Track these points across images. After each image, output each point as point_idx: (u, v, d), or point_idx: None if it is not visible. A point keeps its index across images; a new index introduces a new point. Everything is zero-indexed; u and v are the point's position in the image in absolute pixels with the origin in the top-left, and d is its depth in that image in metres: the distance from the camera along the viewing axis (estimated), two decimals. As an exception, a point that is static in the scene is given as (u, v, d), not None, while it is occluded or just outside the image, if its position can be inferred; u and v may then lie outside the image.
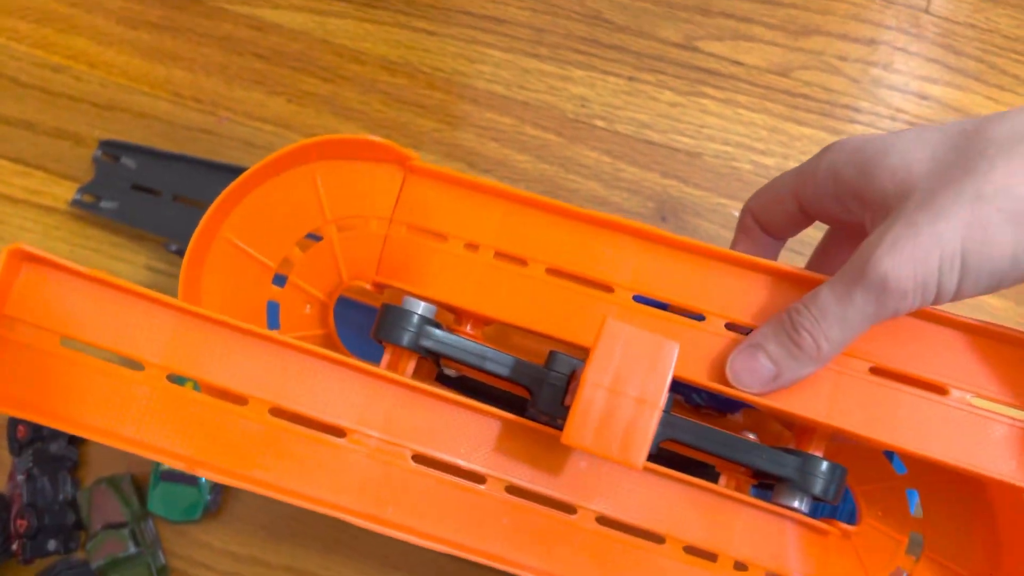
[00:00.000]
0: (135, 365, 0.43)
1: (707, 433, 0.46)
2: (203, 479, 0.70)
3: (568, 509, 0.45)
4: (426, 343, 0.47)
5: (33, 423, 0.71)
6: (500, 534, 0.45)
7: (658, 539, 0.46)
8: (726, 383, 0.45)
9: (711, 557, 0.46)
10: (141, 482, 0.72)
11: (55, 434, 0.71)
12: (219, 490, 0.72)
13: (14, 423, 0.72)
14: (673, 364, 0.40)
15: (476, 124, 0.79)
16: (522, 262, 0.49)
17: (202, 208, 0.51)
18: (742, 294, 0.45)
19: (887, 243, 0.38)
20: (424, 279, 0.50)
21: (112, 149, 0.76)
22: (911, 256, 0.37)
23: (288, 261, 0.54)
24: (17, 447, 0.71)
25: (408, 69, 0.80)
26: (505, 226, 0.50)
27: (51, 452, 0.71)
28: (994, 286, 0.37)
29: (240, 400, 0.43)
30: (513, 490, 0.45)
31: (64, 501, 0.70)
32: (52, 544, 0.70)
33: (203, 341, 0.43)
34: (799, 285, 0.45)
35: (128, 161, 0.76)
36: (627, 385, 0.40)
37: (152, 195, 0.75)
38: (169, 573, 0.71)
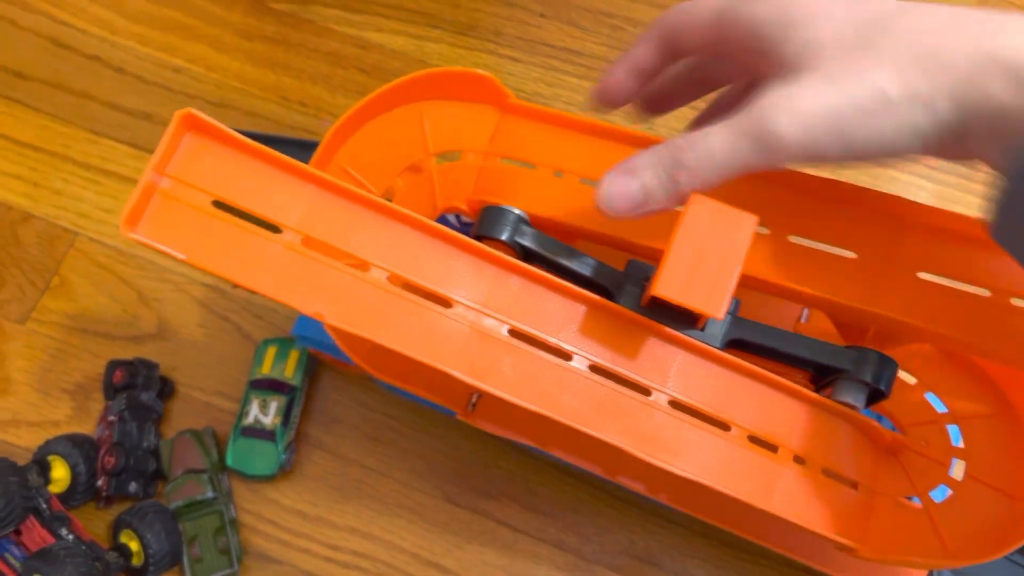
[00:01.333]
0: (275, 229, 0.48)
1: (772, 331, 0.50)
2: (280, 437, 0.74)
3: (644, 391, 0.49)
4: (522, 239, 0.52)
5: (129, 369, 0.75)
6: (584, 406, 0.48)
7: (724, 426, 0.49)
8: None
9: (772, 448, 0.49)
10: (220, 439, 0.76)
11: (147, 384, 0.76)
12: (293, 450, 0.75)
13: (112, 369, 0.76)
14: (751, 233, 0.44)
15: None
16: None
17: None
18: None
19: (785, 101, 0.39)
20: (516, 198, 0.55)
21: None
22: (805, 118, 0.39)
23: (390, 190, 0.60)
24: (112, 391, 0.76)
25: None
26: (590, 155, 0.55)
27: (141, 401, 0.75)
28: (871, 156, 0.40)
29: (363, 266, 0.48)
30: (596, 369, 0.49)
31: (147, 449, 0.74)
32: (133, 486, 0.73)
33: (337, 212, 0.48)
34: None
35: None
36: (710, 247, 0.44)
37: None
38: (239, 526, 0.74)
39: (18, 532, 0.70)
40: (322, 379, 0.78)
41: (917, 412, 0.55)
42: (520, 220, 0.52)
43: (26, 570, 0.66)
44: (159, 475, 0.75)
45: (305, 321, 0.70)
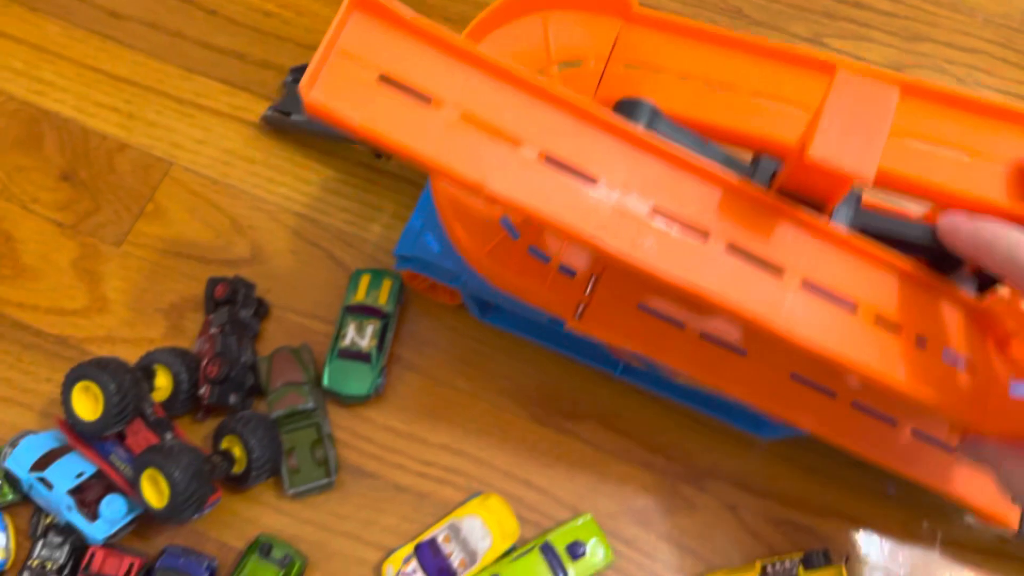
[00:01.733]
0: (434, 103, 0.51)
1: (893, 219, 0.53)
2: (375, 360, 0.76)
3: (777, 270, 0.51)
4: (659, 128, 0.54)
5: (231, 285, 0.78)
6: (720, 282, 0.51)
7: (851, 307, 0.52)
8: None
9: (895, 329, 0.52)
10: (316, 359, 0.78)
11: (245, 302, 0.78)
12: (385, 372, 0.77)
13: (213, 284, 0.78)
14: (895, 103, 0.47)
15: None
16: (729, 87, 0.58)
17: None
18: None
19: None
20: (642, 93, 0.58)
21: (301, 74, 0.87)
22: None
23: None
24: (213, 305, 0.78)
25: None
26: (714, 61, 0.58)
27: (240, 317, 0.77)
28: None
29: (515, 143, 0.51)
30: (732, 248, 0.51)
31: (245, 364, 0.76)
32: (233, 398, 0.75)
33: (492, 91, 0.51)
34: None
35: None
36: (859, 116, 0.47)
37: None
38: (334, 442, 0.75)
39: (122, 436, 0.72)
40: (413, 307, 0.81)
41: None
42: (655, 111, 0.55)
43: (140, 464, 0.68)
44: (256, 390, 0.77)
45: (408, 240, 0.72)
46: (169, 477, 0.66)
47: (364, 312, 0.78)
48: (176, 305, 0.81)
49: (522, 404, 0.78)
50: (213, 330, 0.76)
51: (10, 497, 0.72)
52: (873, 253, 0.53)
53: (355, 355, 0.76)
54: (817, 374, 0.64)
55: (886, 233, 0.54)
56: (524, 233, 0.62)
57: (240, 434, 0.71)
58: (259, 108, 0.88)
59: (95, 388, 0.68)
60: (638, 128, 0.52)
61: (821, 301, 0.52)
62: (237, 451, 0.72)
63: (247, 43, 0.91)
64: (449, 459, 0.76)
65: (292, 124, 0.85)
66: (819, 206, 0.52)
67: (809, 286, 0.52)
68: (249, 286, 0.79)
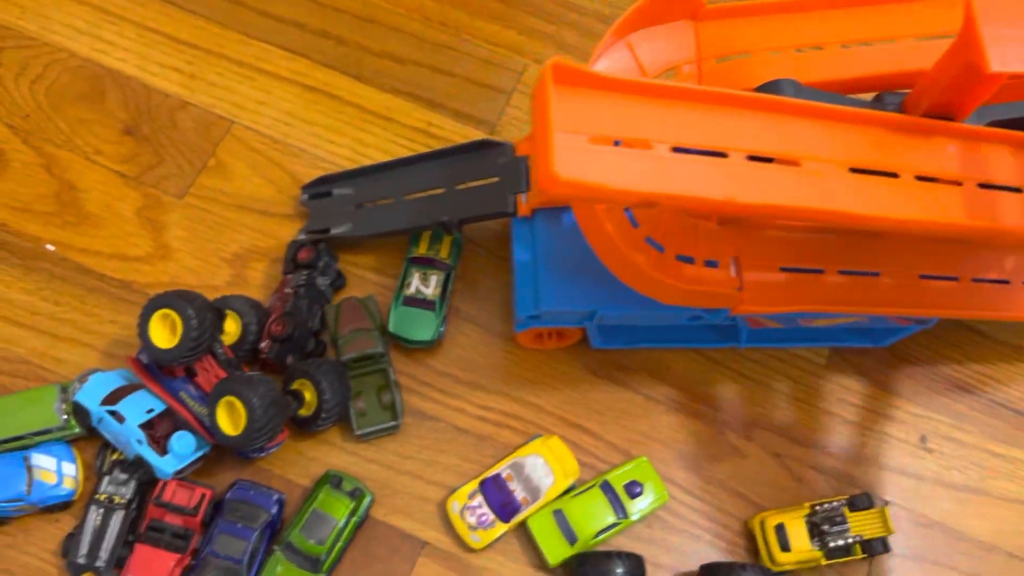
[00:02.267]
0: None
1: (1012, 105, 0.58)
2: (439, 307, 0.79)
3: (956, 183, 0.57)
4: (807, 98, 0.58)
5: (315, 250, 0.79)
6: (918, 206, 0.56)
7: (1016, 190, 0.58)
8: None
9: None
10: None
11: (325, 271, 0.80)
12: (446, 322, 0.80)
13: (297, 247, 0.80)
14: None
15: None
16: (820, 44, 0.62)
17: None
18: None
19: None
20: (747, 82, 0.62)
21: (315, 189, 0.85)
22: None
23: None
24: (292, 266, 0.79)
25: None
26: (792, 29, 0.63)
27: (317, 284, 0.79)
28: None
29: (722, 153, 0.54)
30: (920, 178, 0.56)
31: (311, 329, 0.77)
32: (289, 359, 0.76)
33: (688, 115, 0.53)
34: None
35: (341, 190, 0.83)
36: (1011, 19, 0.50)
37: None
38: (399, 387, 0.78)
39: (192, 374, 0.73)
40: (470, 264, 0.84)
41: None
42: (797, 85, 0.59)
43: (218, 392, 0.69)
44: (316, 354, 0.78)
45: (529, 302, 0.72)
46: (247, 403, 0.68)
47: (427, 263, 0.81)
48: (239, 255, 0.83)
49: (576, 355, 0.81)
50: (288, 290, 0.78)
51: (77, 430, 0.73)
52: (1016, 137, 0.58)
53: (419, 303, 0.79)
54: (940, 267, 0.69)
55: (1009, 120, 0.59)
56: (668, 244, 0.65)
57: (313, 377, 0.73)
58: (319, 75, 0.91)
59: (174, 316, 0.69)
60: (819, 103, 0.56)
61: (1001, 194, 0.57)
62: (308, 394, 0.73)
63: (305, 13, 0.94)
64: (506, 405, 0.79)
65: (335, 239, 0.82)
66: (950, 117, 0.57)
67: (986, 185, 0.57)
68: (332, 256, 0.81)
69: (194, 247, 0.83)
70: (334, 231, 0.81)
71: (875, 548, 0.72)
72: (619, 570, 0.69)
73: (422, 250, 0.82)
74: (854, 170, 0.55)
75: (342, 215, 0.82)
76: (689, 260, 0.66)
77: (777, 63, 0.64)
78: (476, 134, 0.90)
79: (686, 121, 0.52)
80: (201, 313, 0.70)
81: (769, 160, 0.54)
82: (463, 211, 0.77)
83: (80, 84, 0.89)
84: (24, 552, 0.72)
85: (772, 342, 0.80)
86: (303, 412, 0.73)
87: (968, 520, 0.77)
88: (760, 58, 0.65)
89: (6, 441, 0.72)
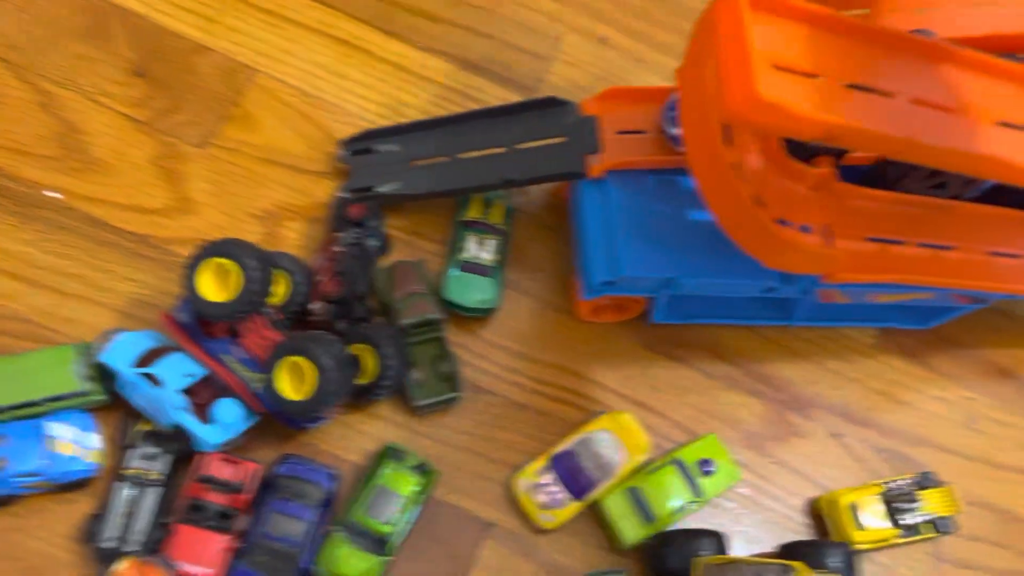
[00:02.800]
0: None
1: None
2: (496, 274, 0.74)
3: None
4: None
5: (368, 209, 0.73)
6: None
7: None
8: None
9: None
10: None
11: (375, 233, 0.73)
12: (502, 291, 0.75)
13: (346, 202, 0.73)
14: None
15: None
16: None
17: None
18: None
19: None
20: None
21: (355, 144, 0.79)
22: None
23: None
24: (342, 223, 0.72)
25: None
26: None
27: (367, 245, 0.72)
28: None
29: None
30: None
31: (358, 294, 0.71)
32: (341, 324, 0.70)
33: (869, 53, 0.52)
34: None
35: (387, 146, 0.78)
36: None
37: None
38: (456, 360, 0.72)
39: (237, 334, 0.66)
40: (520, 232, 0.79)
41: None
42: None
43: (281, 350, 0.62)
44: (364, 321, 0.72)
45: (601, 267, 0.69)
46: (318, 362, 0.61)
47: (482, 228, 0.76)
48: (272, 213, 0.76)
49: (632, 330, 0.77)
50: (338, 248, 0.71)
51: (101, 396, 0.64)
52: None
53: (477, 268, 0.74)
54: (1009, 244, 0.68)
55: None
56: (771, 206, 0.63)
57: (374, 342, 0.67)
58: (347, 26, 0.85)
59: (231, 266, 0.62)
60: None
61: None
62: (369, 360, 0.67)
63: (332, -40, 0.88)
64: (564, 379, 0.75)
65: (382, 196, 0.75)
66: None
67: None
68: (381, 218, 0.74)
69: (220, 201, 0.75)
70: (380, 189, 0.75)
71: (944, 527, 0.72)
72: (704, 549, 0.66)
73: (474, 213, 0.76)
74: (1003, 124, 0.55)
75: (388, 173, 0.76)
76: (787, 224, 0.65)
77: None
78: (516, 97, 0.85)
79: (866, 59, 0.50)
80: (263, 264, 0.62)
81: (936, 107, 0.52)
82: (530, 171, 0.72)
83: (80, 18, 0.79)
84: (34, 537, 0.63)
85: (823, 320, 0.79)
86: (361, 380, 0.67)
87: (1020, 501, 0.77)
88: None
89: (17, 407, 0.62)
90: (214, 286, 0.63)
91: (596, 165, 0.72)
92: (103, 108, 0.76)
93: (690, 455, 0.71)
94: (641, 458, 0.70)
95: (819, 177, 0.67)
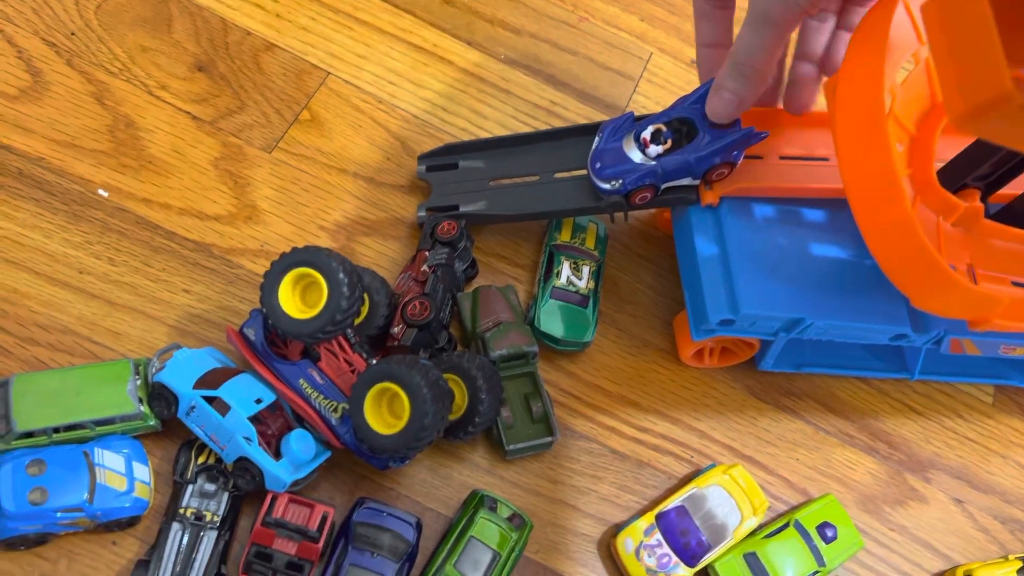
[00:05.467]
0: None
1: None
2: (592, 304, 0.66)
3: None
4: None
5: (458, 227, 0.65)
6: None
7: None
8: None
9: None
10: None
11: (463, 255, 0.66)
12: (596, 326, 0.67)
13: (438, 219, 0.65)
14: None
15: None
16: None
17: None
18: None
19: None
20: None
21: (432, 160, 0.71)
22: None
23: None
24: (431, 241, 0.65)
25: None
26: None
27: (455, 267, 0.65)
28: None
29: None
30: None
31: (442, 320, 0.63)
32: (422, 352, 0.62)
33: None
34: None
35: (469, 162, 0.71)
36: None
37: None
38: (549, 399, 0.64)
39: (315, 357, 0.57)
40: (614, 260, 0.72)
41: None
42: None
43: (371, 377, 0.53)
44: (442, 351, 0.64)
45: (720, 306, 0.61)
46: (415, 391, 0.52)
47: (575, 253, 0.68)
48: (343, 226, 0.68)
49: (736, 376, 0.70)
50: (426, 267, 0.63)
51: (151, 423, 0.55)
52: None
53: (571, 297, 0.66)
54: None
55: None
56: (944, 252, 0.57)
57: (467, 373, 0.58)
58: (425, 33, 0.78)
59: (318, 278, 0.54)
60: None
61: None
62: (458, 393, 0.59)
63: (407, -34, 0.82)
64: (665, 427, 0.67)
65: (465, 216, 0.67)
66: None
67: None
68: (471, 239, 0.67)
69: (287, 210, 0.67)
70: (464, 208, 0.67)
71: (1089, 608, 0.64)
72: (836, 627, 0.58)
73: (565, 237, 0.69)
74: None
75: (472, 191, 0.68)
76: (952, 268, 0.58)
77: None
78: (602, 116, 0.79)
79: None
80: (353, 278, 0.54)
81: None
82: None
83: (140, 6, 0.72)
84: (67, 585, 0.53)
85: (943, 375, 0.72)
86: (450, 416, 0.58)
87: None
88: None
89: (60, 430, 0.53)
90: (296, 300, 0.55)
91: (709, 192, 0.65)
92: (162, 103, 0.69)
93: (810, 518, 0.63)
94: (758, 519, 0.62)
95: (968, 211, 0.60)
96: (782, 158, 0.67)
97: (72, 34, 0.70)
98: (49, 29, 0.69)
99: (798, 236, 0.65)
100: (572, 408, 0.66)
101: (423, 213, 0.68)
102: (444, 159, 0.70)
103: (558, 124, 0.77)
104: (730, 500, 0.62)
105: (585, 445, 0.65)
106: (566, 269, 0.67)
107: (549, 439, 0.62)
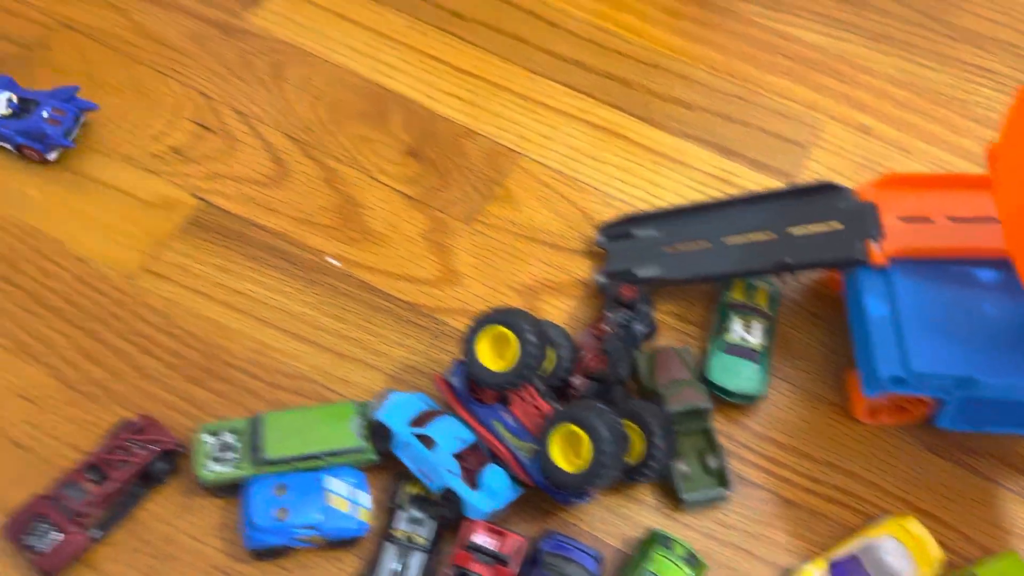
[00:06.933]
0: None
1: None
2: (764, 359, 0.70)
3: None
4: None
5: (640, 290, 0.72)
6: None
7: None
8: None
9: None
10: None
11: (643, 318, 0.72)
12: (768, 379, 0.71)
13: (619, 283, 0.73)
14: None
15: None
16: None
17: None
18: None
19: None
20: None
21: (612, 231, 0.78)
22: None
23: None
24: (612, 303, 0.72)
25: (912, 88, 0.91)
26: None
27: (633, 328, 0.71)
28: None
29: None
30: None
31: (619, 376, 0.68)
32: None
33: None
34: None
35: (644, 231, 0.77)
36: None
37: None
38: (724, 453, 0.68)
39: (507, 402, 0.65)
40: (786, 318, 0.76)
41: None
42: None
43: (555, 419, 0.61)
44: (607, 393, 0.70)
45: (893, 362, 0.64)
46: (595, 433, 0.59)
47: (747, 311, 0.73)
48: (531, 287, 0.76)
49: (912, 430, 0.71)
50: (606, 326, 0.70)
51: (371, 456, 0.65)
52: None
53: (743, 352, 0.71)
54: None
55: None
56: None
57: (643, 420, 0.64)
58: (603, 112, 0.87)
59: (510, 335, 0.62)
60: None
61: None
62: (635, 440, 0.64)
63: (588, 54, 0.91)
64: (838, 479, 0.69)
65: (639, 281, 0.74)
66: None
67: None
68: (650, 304, 0.73)
69: (483, 274, 0.77)
70: (639, 273, 0.74)
71: None
72: None
73: (738, 296, 0.74)
74: None
75: (646, 257, 0.75)
76: None
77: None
78: (774, 183, 0.83)
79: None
80: (540, 335, 0.62)
81: None
82: (807, 256, 0.69)
83: (362, 103, 0.85)
84: (302, 593, 0.63)
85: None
86: (627, 459, 0.64)
87: None
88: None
89: (299, 459, 0.63)
90: (491, 353, 0.63)
91: (878, 252, 0.68)
92: (380, 184, 0.81)
93: (989, 573, 0.63)
94: (932, 572, 0.63)
95: None
96: (951, 219, 0.69)
97: (308, 129, 0.83)
98: (290, 126, 0.83)
99: (968, 296, 0.67)
100: (745, 458, 0.69)
101: (601, 279, 0.75)
102: (621, 229, 0.78)
103: (732, 192, 0.83)
104: (904, 551, 0.63)
105: (758, 493, 0.68)
106: (738, 326, 0.72)
107: (724, 491, 0.66)
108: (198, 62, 0.86)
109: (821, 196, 0.73)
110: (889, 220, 0.70)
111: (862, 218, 0.69)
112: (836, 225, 0.70)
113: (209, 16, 0.89)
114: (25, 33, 0.87)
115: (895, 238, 0.69)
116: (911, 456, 0.70)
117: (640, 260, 0.75)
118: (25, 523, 0.61)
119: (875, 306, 0.67)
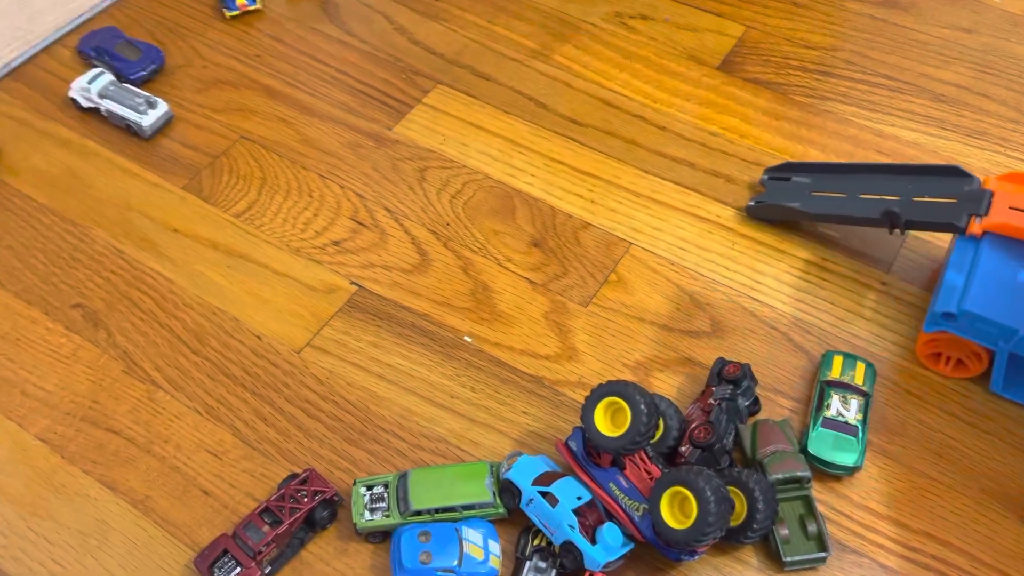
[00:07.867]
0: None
1: None
2: (860, 433, 0.76)
3: None
4: None
5: (743, 368, 0.79)
6: None
7: None
8: None
9: None
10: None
11: (747, 393, 0.79)
12: (864, 451, 0.77)
13: (724, 361, 0.80)
14: None
15: None
16: None
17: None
18: None
19: None
20: None
21: (775, 172, 0.97)
22: None
23: None
24: (717, 379, 0.79)
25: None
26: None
27: (737, 403, 0.78)
28: None
29: None
30: None
31: (724, 447, 0.75)
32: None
33: None
34: None
35: (800, 178, 0.95)
36: None
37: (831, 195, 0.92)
38: (823, 519, 0.74)
39: (621, 466, 0.73)
40: (883, 395, 0.81)
41: None
42: None
43: (665, 482, 0.68)
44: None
45: (949, 298, 0.76)
46: (700, 495, 0.66)
47: (844, 388, 0.79)
48: (642, 364, 0.85)
49: (1007, 506, 0.75)
50: (711, 401, 0.78)
51: (501, 510, 0.74)
52: None
53: (840, 426, 0.77)
54: None
55: None
56: None
57: (745, 486, 0.71)
58: (711, 207, 0.96)
59: (623, 405, 0.70)
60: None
61: None
62: (737, 504, 0.71)
63: (696, 155, 1.01)
64: (935, 548, 0.73)
65: (781, 209, 0.93)
66: None
67: None
68: (754, 380, 0.81)
69: (598, 351, 0.86)
70: (786, 204, 0.92)
71: None
72: None
73: (835, 374, 0.80)
74: None
75: (793, 195, 0.93)
76: None
77: None
78: (871, 272, 0.90)
79: None
80: (651, 406, 0.70)
81: None
82: (914, 214, 0.84)
83: (493, 201, 0.97)
84: (439, 628, 0.72)
85: None
86: (731, 522, 0.71)
87: None
88: None
89: (439, 510, 0.73)
90: (606, 421, 0.72)
91: (977, 225, 0.80)
92: (507, 271, 0.92)
93: (1087, 644, 0.66)
94: (1029, 639, 0.66)
95: None
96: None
97: (447, 224, 0.95)
98: (432, 221, 0.96)
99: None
100: (843, 526, 0.75)
101: (752, 203, 0.95)
102: (782, 173, 0.96)
103: (829, 278, 0.90)
104: (999, 618, 0.67)
105: (855, 559, 0.73)
106: (836, 402, 0.78)
107: (823, 555, 0.71)
108: (354, 167, 1.00)
109: (951, 177, 0.87)
110: (999, 206, 0.81)
111: (976, 198, 0.82)
112: (950, 200, 0.83)
113: (364, 128, 1.04)
114: (212, 145, 1.04)
115: (997, 216, 0.80)
116: (1008, 529, 0.74)
117: (788, 196, 0.93)
118: (213, 557, 0.72)
119: (958, 262, 0.79)
